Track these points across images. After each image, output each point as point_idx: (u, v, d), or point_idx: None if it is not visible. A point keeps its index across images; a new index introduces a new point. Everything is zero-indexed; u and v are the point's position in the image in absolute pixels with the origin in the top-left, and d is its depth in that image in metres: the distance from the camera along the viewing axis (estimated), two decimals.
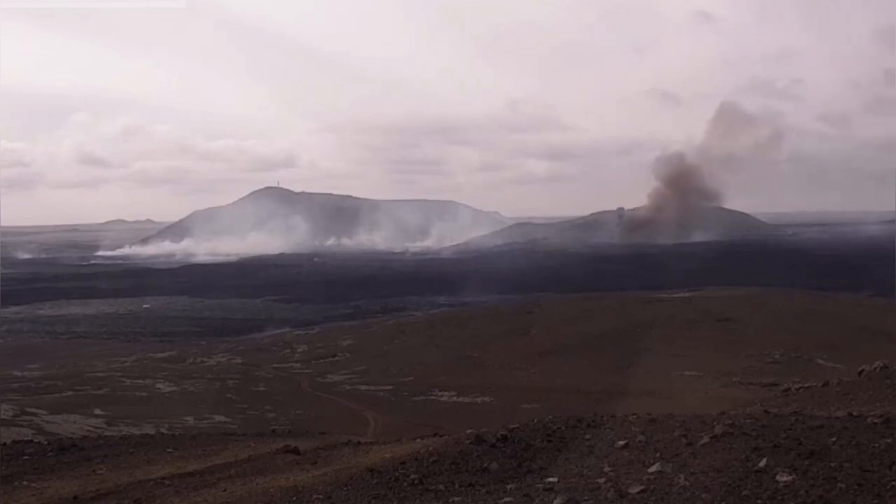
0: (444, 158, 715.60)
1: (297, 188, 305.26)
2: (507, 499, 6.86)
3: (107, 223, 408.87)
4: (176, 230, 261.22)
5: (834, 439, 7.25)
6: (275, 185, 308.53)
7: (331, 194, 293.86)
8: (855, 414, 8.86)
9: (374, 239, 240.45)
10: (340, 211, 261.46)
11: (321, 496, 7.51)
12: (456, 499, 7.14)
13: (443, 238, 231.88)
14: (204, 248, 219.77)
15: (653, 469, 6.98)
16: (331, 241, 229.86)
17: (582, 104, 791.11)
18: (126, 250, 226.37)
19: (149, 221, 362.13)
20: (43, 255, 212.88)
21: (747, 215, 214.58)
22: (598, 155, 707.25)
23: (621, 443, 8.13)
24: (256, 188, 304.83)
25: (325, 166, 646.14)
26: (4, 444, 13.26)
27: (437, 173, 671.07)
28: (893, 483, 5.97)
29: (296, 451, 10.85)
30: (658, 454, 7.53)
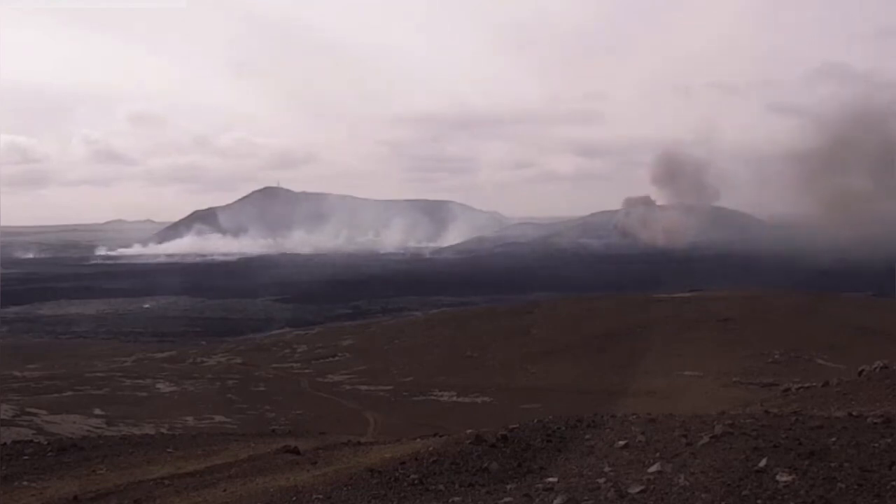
0: (447, 158, 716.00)
1: (297, 188, 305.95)
2: (507, 499, 6.86)
3: (107, 223, 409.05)
4: (176, 230, 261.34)
5: (834, 439, 7.25)
6: (274, 185, 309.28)
7: (331, 194, 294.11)
8: (855, 414, 8.85)
9: (373, 239, 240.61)
10: (340, 211, 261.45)
11: (321, 496, 7.51)
12: (456, 499, 7.14)
13: (443, 238, 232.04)
14: (204, 248, 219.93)
15: (653, 469, 6.98)
16: (330, 241, 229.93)
17: (610, 100, 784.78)
18: (126, 250, 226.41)
19: (149, 221, 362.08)
20: (43, 255, 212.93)
21: (748, 216, 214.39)
22: (628, 153, 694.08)
23: (621, 443, 8.13)
24: (257, 188, 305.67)
25: (328, 165, 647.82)
26: (4, 444, 13.26)
27: (440, 171, 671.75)
28: (893, 483, 5.97)
29: (296, 451, 10.84)
30: (658, 454, 7.52)
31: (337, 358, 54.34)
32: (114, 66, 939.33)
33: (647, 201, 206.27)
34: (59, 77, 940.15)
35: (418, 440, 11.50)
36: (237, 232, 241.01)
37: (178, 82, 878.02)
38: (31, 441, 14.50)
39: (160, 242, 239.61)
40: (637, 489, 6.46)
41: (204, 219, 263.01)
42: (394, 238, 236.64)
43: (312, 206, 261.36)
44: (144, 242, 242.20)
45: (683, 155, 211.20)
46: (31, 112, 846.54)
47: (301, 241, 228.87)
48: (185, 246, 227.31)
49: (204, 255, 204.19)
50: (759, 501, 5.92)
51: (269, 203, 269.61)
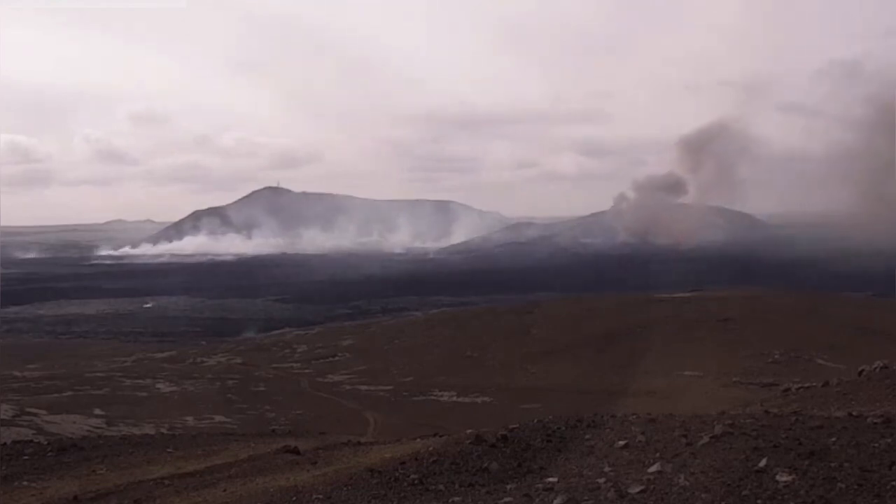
0: (448, 158, 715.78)
1: (297, 188, 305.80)
2: (507, 499, 6.85)
3: (107, 223, 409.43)
4: (176, 230, 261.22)
5: (834, 439, 7.24)
6: (274, 185, 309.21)
7: (331, 194, 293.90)
8: (855, 414, 8.84)
9: (377, 239, 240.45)
10: (342, 211, 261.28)
11: (321, 496, 7.51)
12: (456, 499, 7.13)
13: (444, 238, 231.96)
14: (204, 248, 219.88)
15: (653, 469, 6.97)
16: (332, 241, 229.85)
17: (612, 99, 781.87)
18: (127, 250, 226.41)
19: (149, 221, 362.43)
20: (43, 255, 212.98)
21: (749, 216, 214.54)
22: (630, 152, 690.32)
23: (621, 443, 8.13)
24: (257, 188, 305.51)
25: (329, 165, 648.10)
26: (4, 444, 13.26)
27: (441, 171, 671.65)
28: (893, 483, 5.96)
29: (296, 451, 10.84)
30: (658, 454, 7.52)
31: (337, 358, 54.36)
32: (114, 66, 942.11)
33: (673, 181, 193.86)
34: (59, 77, 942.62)
35: (418, 440, 11.49)
36: (237, 232, 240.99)
37: (179, 82, 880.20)
38: (31, 441, 14.49)
39: (160, 242, 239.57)
40: (637, 489, 6.46)
41: (204, 219, 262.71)
42: (396, 238, 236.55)
43: (314, 207, 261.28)
44: (145, 242, 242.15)
45: (714, 135, 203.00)
46: (32, 112, 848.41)
47: (301, 241, 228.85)
48: (185, 246, 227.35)
49: (204, 255, 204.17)
50: (759, 501, 5.92)
51: (269, 203, 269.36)
